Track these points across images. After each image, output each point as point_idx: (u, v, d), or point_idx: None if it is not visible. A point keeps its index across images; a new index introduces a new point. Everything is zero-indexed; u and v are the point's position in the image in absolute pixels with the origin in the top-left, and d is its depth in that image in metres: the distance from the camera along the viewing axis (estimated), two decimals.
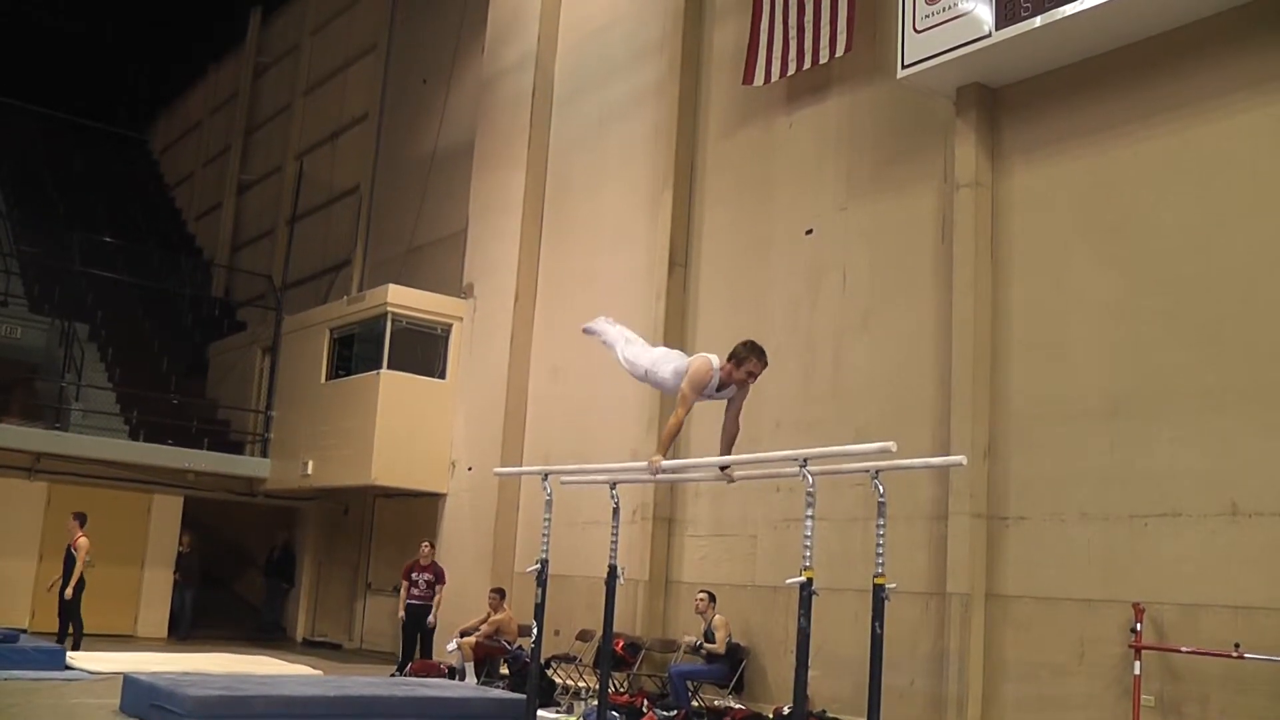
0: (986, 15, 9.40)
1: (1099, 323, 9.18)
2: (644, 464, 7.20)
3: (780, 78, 11.99)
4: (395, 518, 18.01)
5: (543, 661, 10.25)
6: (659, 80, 14.02)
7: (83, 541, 13.72)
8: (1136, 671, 8.25)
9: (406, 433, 15.75)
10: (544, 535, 8.05)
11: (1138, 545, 8.60)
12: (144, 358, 21.76)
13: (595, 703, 9.53)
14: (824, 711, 10.20)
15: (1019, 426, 9.55)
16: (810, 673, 6.32)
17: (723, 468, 6.89)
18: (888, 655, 6.32)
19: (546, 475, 8.20)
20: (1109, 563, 8.76)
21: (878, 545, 6.16)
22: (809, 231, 11.81)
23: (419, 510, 16.69)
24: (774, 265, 12.18)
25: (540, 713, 9.18)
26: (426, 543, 14.78)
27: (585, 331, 7.68)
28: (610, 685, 9.38)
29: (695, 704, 11.03)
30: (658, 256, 13.32)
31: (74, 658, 12.23)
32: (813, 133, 12.02)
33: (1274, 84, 8.35)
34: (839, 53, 11.28)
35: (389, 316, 16.07)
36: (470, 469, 15.66)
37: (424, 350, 16.41)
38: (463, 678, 12.67)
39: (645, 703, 11.06)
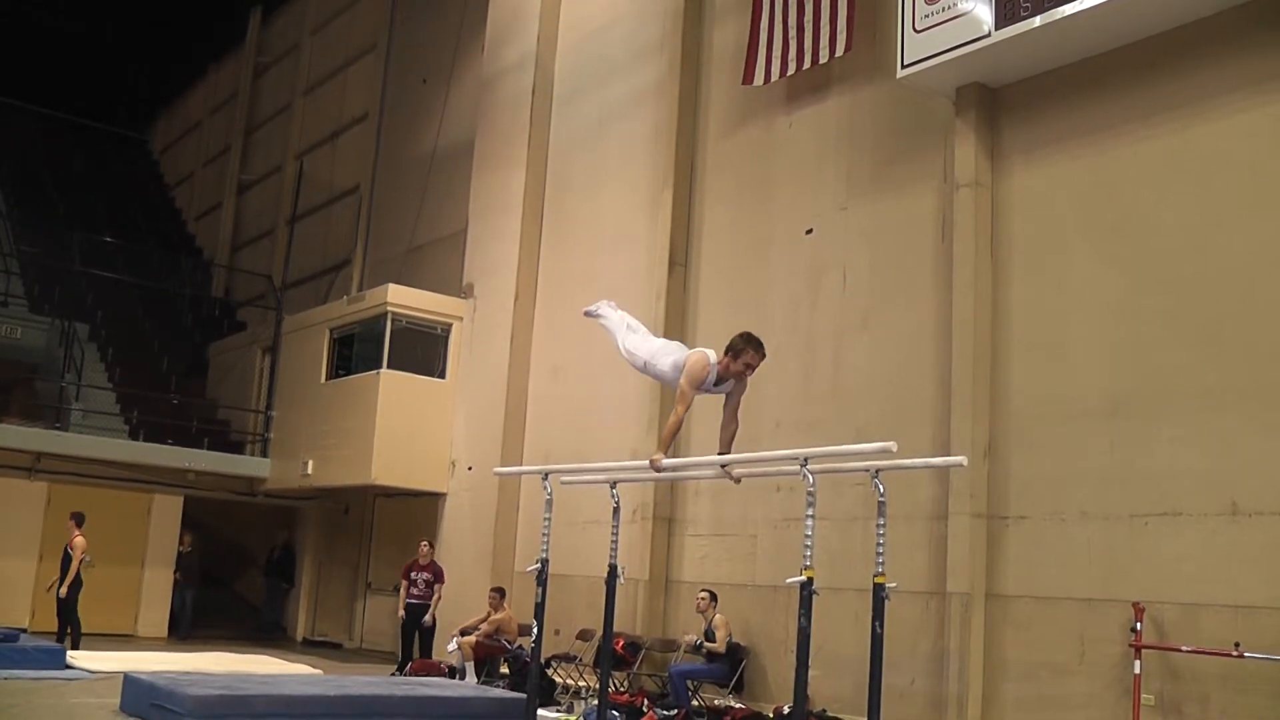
0: (986, 15, 9.40)
1: (1099, 322, 9.18)
2: (644, 463, 7.20)
3: (780, 77, 11.99)
4: (395, 517, 18.01)
5: (543, 661, 10.26)
6: (659, 80, 14.02)
7: (78, 541, 13.72)
8: (1137, 671, 8.25)
9: (406, 432, 15.75)
10: (544, 535, 8.06)
11: (1138, 545, 8.61)
12: (144, 358, 21.78)
13: (595, 702, 9.53)
14: (824, 711, 10.20)
15: (1019, 426, 9.55)
16: (810, 672, 6.31)
17: (723, 467, 6.89)
18: (888, 655, 6.33)
19: (547, 475, 8.20)
20: (1109, 562, 8.77)
21: (878, 545, 6.17)
22: (809, 231, 11.81)
23: (419, 510, 16.69)
24: (774, 265, 12.18)
25: (540, 712, 9.18)
26: (425, 542, 14.79)
27: (587, 314, 7.63)
28: (610, 684, 9.39)
29: (695, 703, 11.03)
30: (658, 256, 13.32)
31: (74, 657, 12.25)
32: (813, 132, 12.02)
33: (1273, 83, 8.35)
34: (839, 52, 11.28)
35: (389, 316, 16.08)
36: (470, 469, 15.66)
37: (424, 350, 16.41)
38: (463, 677, 12.67)
39: (645, 702, 11.06)
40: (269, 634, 18.91)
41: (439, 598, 14.26)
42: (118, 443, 17.87)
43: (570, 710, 11.26)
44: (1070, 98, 9.63)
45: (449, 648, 13.23)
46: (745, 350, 6.49)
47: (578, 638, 12.59)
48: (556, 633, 12.80)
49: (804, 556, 5.95)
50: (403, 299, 16.21)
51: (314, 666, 13.29)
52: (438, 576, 14.40)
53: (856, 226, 11.33)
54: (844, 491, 10.34)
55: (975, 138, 10.03)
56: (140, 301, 23.32)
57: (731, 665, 11.16)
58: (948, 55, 9.72)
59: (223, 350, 22.31)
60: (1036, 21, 9.06)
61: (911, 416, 10.23)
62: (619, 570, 7.75)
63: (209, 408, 21.03)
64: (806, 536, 5.99)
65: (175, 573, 17.87)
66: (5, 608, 15.52)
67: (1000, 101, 10.15)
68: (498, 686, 11.74)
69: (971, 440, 9.50)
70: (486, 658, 12.96)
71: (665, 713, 10.76)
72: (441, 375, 16.37)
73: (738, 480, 7.09)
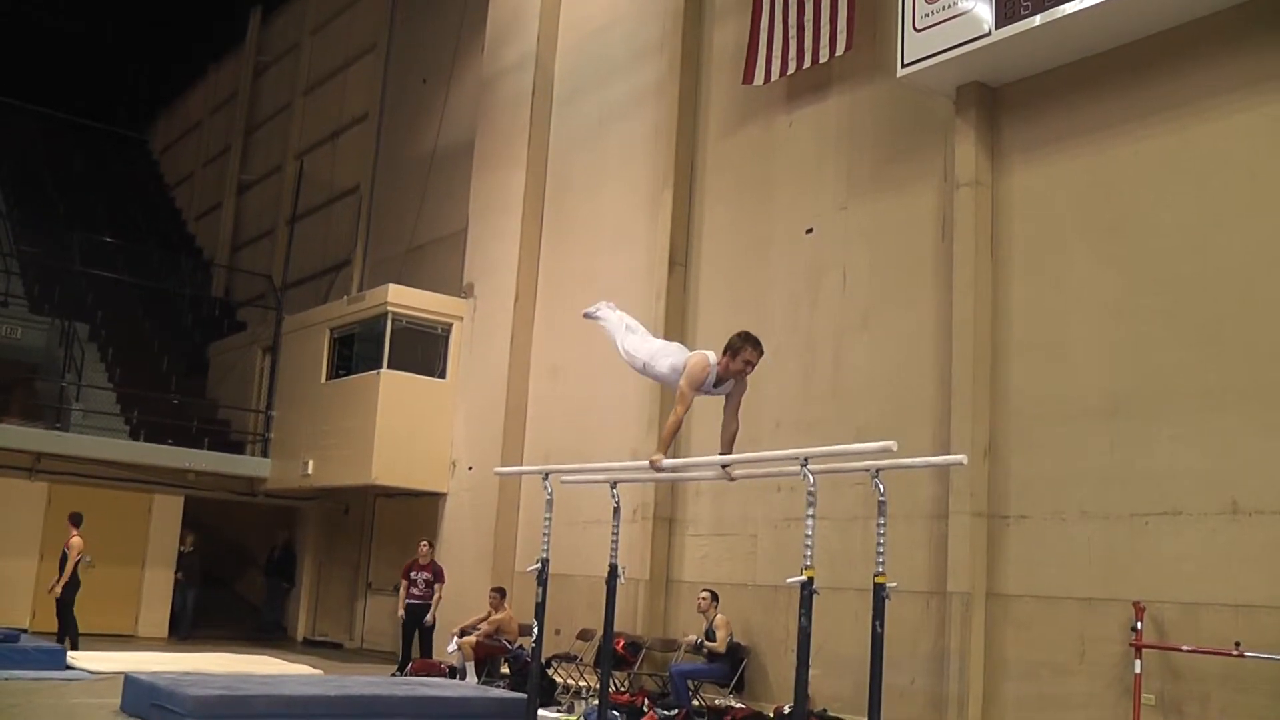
0: (986, 14, 9.41)
1: (1099, 322, 9.18)
2: (644, 463, 7.20)
3: (780, 77, 11.99)
4: (395, 517, 18.01)
5: (543, 661, 10.27)
6: (659, 80, 14.02)
7: (75, 541, 13.69)
8: (1137, 670, 8.26)
9: (407, 432, 15.76)
10: (544, 534, 8.06)
11: (1138, 544, 8.61)
12: (144, 358, 21.78)
13: (596, 702, 9.53)
14: (825, 710, 10.21)
15: (1019, 426, 9.56)
16: (811, 672, 6.31)
17: (724, 466, 6.89)
18: (888, 654, 6.33)
19: (547, 475, 8.20)
20: (1109, 561, 8.77)
21: (878, 544, 6.16)
22: (809, 231, 11.81)
23: (419, 510, 16.70)
24: (774, 265, 12.18)
25: (541, 712, 9.19)
26: (425, 542, 14.80)
27: (586, 316, 7.64)
28: (611, 684, 9.39)
29: (696, 703, 11.03)
30: (658, 256, 13.32)
31: (75, 657, 12.25)
32: (813, 132, 12.02)
33: (1271, 83, 8.35)
34: (839, 52, 11.28)
35: (389, 316, 16.08)
36: (470, 468, 15.67)
37: (424, 350, 16.41)
38: (463, 677, 12.67)
39: (646, 702, 11.06)
40: (269, 634, 18.92)
41: (439, 598, 14.26)
42: (118, 443, 17.87)
43: (571, 710, 11.26)
44: (1070, 97, 9.64)
45: (449, 648, 13.23)
46: (744, 348, 6.49)
47: (578, 638, 12.59)
48: (557, 632, 12.81)
49: (804, 556, 5.95)
50: (403, 299, 16.22)
51: (314, 666, 13.29)
52: (438, 576, 14.40)
53: (856, 226, 11.33)
54: (844, 491, 10.34)
55: (975, 137, 10.03)
56: (140, 301, 23.33)
57: (732, 665, 11.16)
58: (948, 54, 9.72)
59: (223, 350, 22.31)
60: (1036, 20, 9.06)
61: (911, 416, 10.23)
62: (619, 570, 7.75)
63: (209, 408, 21.03)
64: (807, 536, 5.99)
65: (176, 573, 17.88)
66: (6, 608, 15.51)
67: (1000, 101, 10.15)
68: (498, 686, 11.75)
69: (971, 440, 9.50)
70: (487, 658, 12.96)
71: (666, 712, 10.76)
72: (442, 375, 16.38)
73: (733, 478, 7.09)
